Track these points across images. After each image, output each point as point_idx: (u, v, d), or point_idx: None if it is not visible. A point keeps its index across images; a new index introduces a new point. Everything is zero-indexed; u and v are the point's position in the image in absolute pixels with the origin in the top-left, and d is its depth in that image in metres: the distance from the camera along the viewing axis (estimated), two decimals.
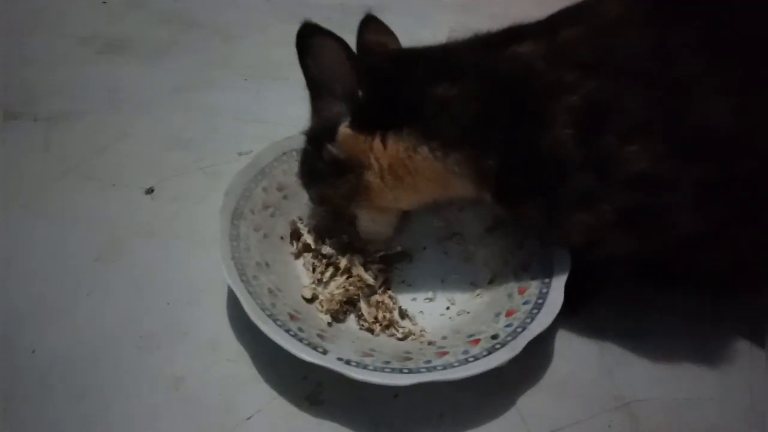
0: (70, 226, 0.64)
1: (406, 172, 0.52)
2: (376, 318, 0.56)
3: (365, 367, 0.48)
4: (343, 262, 0.59)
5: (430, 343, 0.54)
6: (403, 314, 0.58)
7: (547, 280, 0.56)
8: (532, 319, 0.52)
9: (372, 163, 0.53)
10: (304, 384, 0.53)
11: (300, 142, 0.59)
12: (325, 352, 0.49)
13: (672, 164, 0.46)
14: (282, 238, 0.62)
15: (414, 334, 0.56)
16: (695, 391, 0.55)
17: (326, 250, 0.60)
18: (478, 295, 0.60)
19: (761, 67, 0.46)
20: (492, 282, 0.60)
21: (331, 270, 0.59)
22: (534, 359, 0.56)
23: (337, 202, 0.56)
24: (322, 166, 0.54)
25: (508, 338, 0.51)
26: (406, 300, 0.60)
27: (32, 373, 0.53)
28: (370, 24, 0.57)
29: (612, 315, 0.59)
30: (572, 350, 0.58)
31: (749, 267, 0.53)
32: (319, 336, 0.52)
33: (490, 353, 0.50)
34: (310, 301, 0.58)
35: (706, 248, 0.51)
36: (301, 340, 0.49)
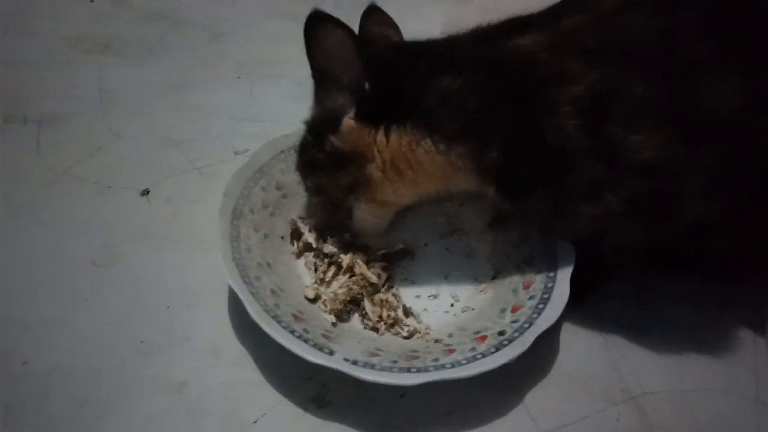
0: (65, 229, 0.63)
1: (407, 166, 0.52)
2: (380, 317, 0.56)
3: (372, 367, 0.48)
4: (345, 261, 0.58)
5: (436, 341, 0.53)
6: (408, 312, 0.57)
7: (551, 274, 0.55)
8: (539, 315, 0.52)
9: (375, 155, 0.52)
10: (309, 386, 0.52)
11: (297, 140, 0.58)
12: (331, 353, 0.48)
13: (680, 150, 0.46)
14: (282, 237, 0.61)
15: (419, 332, 0.55)
16: (701, 382, 0.55)
17: (328, 248, 0.59)
18: (482, 291, 0.59)
19: (764, 44, 0.46)
20: (496, 277, 0.60)
21: (333, 269, 0.58)
22: (540, 354, 0.55)
23: (334, 193, 0.56)
24: (323, 157, 0.54)
25: (515, 334, 0.50)
26: (409, 298, 0.59)
27: (30, 381, 0.52)
28: (372, 15, 0.56)
29: (616, 306, 0.59)
30: (578, 343, 0.57)
31: (757, 254, 0.53)
32: (325, 336, 0.51)
33: (497, 350, 0.49)
34: (313, 301, 0.57)
35: (714, 235, 0.51)
36: (306, 341, 0.49)
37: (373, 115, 0.51)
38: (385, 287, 0.59)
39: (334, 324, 0.55)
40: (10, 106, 0.75)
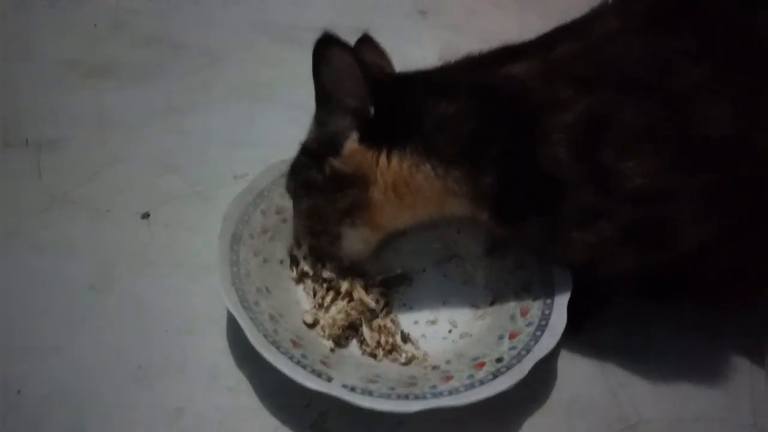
0: (63, 254, 0.63)
1: (407, 190, 0.53)
2: (378, 342, 0.56)
3: (371, 393, 0.47)
4: (344, 286, 0.58)
5: (434, 368, 0.53)
6: (406, 338, 0.57)
7: (549, 301, 0.56)
8: (536, 342, 0.52)
9: (377, 178, 0.52)
10: (307, 412, 0.52)
11: None
12: (329, 380, 0.48)
13: (673, 177, 0.47)
14: (281, 262, 0.61)
15: (417, 359, 0.55)
16: (698, 410, 0.55)
17: (326, 274, 0.59)
18: (480, 317, 0.59)
19: (759, 71, 0.47)
20: (493, 303, 0.60)
21: (332, 294, 0.59)
22: (538, 381, 0.55)
23: (329, 216, 0.56)
24: (322, 179, 0.54)
25: (513, 361, 0.50)
26: (407, 323, 0.59)
27: (24, 407, 0.51)
28: (366, 44, 0.57)
29: (614, 333, 0.59)
30: (576, 371, 0.57)
31: (752, 278, 0.54)
32: (323, 363, 0.51)
33: (495, 377, 0.49)
34: (312, 326, 0.57)
35: (708, 261, 0.51)
36: (305, 367, 0.49)
37: (376, 138, 0.52)
38: (384, 313, 0.59)
39: (332, 350, 0.55)
40: (10, 130, 0.75)
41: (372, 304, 0.57)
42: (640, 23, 0.49)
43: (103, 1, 0.97)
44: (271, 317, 0.53)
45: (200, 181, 0.72)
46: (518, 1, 1.13)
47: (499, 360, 0.51)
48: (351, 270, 0.60)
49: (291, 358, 0.49)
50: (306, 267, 0.60)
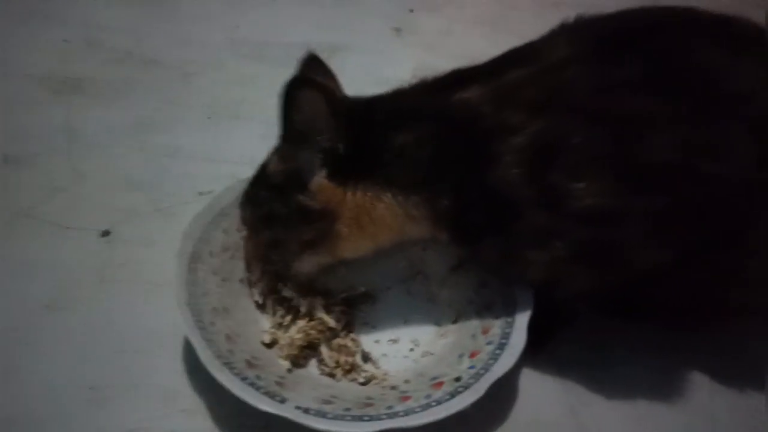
0: (19, 271, 0.62)
1: (369, 221, 0.53)
2: (337, 362, 0.55)
3: (325, 415, 0.47)
4: (304, 305, 0.57)
5: (392, 388, 0.53)
6: (366, 357, 0.57)
7: (510, 320, 0.55)
8: (495, 361, 0.52)
9: (344, 213, 0.53)
10: None
11: None
12: (283, 401, 0.47)
13: (622, 199, 0.47)
14: (241, 281, 0.60)
15: (377, 378, 0.55)
16: (658, 429, 0.55)
17: (287, 293, 0.59)
18: (442, 335, 0.59)
19: (704, 99, 0.48)
20: (456, 322, 0.60)
21: (292, 313, 0.58)
22: (498, 400, 0.55)
23: (290, 247, 0.56)
24: (286, 213, 0.54)
25: (471, 381, 0.50)
26: (369, 342, 0.59)
27: None
28: (313, 66, 0.56)
29: (575, 352, 0.59)
30: (537, 390, 0.57)
31: (707, 299, 0.54)
32: (278, 383, 0.50)
33: (453, 397, 0.49)
34: (270, 346, 0.56)
35: (662, 282, 0.52)
36: (258, 388, 0.48)
37: (344, 174, 0.52)
38: (344, 332, 0.58)
39: (289, 370, 0.54)
40: None
41: (332, 323, 0.57)
42: (589, 52, 0.50)
43: (75, 18, 0.97)
44: (228, 337, 0.53)
45: (164, 198, 0.71)
46: (492, 21, 1.14)
47: (457, 379, 0.51)
48: (312, 289, 0.59)
49: (244, 379, 0.48)
50: (256, 296, 0.59)
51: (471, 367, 0.52)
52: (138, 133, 0.80)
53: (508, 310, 0.56)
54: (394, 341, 0.59)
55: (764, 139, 0.48)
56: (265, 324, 0.59)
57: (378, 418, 0.47)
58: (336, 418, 0.47)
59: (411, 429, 0.47)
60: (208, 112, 0.85)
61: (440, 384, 0.51)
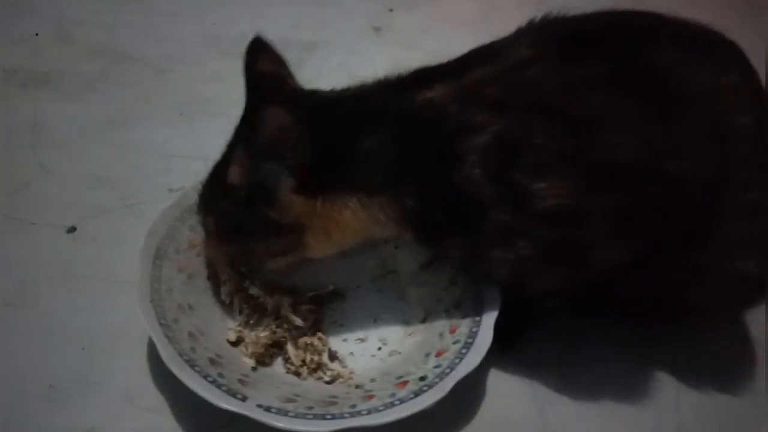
0: None
1: (336, 228, 0.53)
2: (303, 361, 0.54)
3: (286, 414, 0.46)
4: (270, 303, 0.57)
5: (357, 387, 0.52)
6: (333, 356, 0.56)
7: (477, 319, 0.55)
8: (461, 359, 0.52)
9: (313, 224, 0.52)
10: None
11: None
12: (244, 399, 0.47)
13: (583, 198, 0.47)
14: (208, 278, 0.60)
15: (342, 377, 0.54)
16: (626, 428, 0.55)
17: (254, 290, 0.58)
18: (410, 334, 0.59)
19: (666, 99, 0.48)
20: (425, 321, 0.59)
21: (258, 312, 0.57)
22: (466, 399, 0.55)
23: (260, 257, 0.55)
24: (254, 227, 0.53)
25: (436, 380, 0.50)
26: (337, 341, 0.58)
27: None
28: (261, 51, 0.55)
29: (544, 351, 0.59)
30: (505, 389, 0.57)
31: (667, 297, 0.55)
32: (241, 382, 0.49)
33: (417, 395, 0.49)
34: (235, 344, 0.56)
35: (626, 281, 0.52)
36: (220, 386, 0.47)
37: (312, 187, 0.51)
38: (311, 331, 0.58)
39: (254, 368, 0.53)
40: None
41: (298, 321, 0.56)
42: (551, 52, 0.50)
43: (47, 11, 0.95)
44: (191, 335, 0.52)
45: (134, 194, 0.70)
46: (473, 21, 1.14)
47: (422, 378, 0.51)
48: (279, 287, 0.59)
49: (206, 376, 0.48)
50: (224, 295, 0.58)
51: (437, 366, 0.52)
52: (108, 129, 0.78)
53: (477, 308, 0.56)
54: (362, 340, 0.59)
55: (725, 139, 0.48)
56: (231, 322, 0.58)
57: (340, 416, 0.47)
58: (298, 416, 0.46)
59: (375, 428, 0.47)
60: (181, 108, 0.84)
61: (405, 383, 0.51)
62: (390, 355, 0.57)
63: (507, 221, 0.48)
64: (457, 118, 0.49)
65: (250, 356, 0.54)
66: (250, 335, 0.56)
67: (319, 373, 0.54)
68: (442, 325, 0.57)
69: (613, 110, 0.47)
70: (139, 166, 0.75)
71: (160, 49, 0.93)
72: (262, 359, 0.55)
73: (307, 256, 0.56)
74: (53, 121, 0.78)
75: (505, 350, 0.57)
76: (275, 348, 0.56)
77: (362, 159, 0.51)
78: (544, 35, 0.52)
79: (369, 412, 0.47)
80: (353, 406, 0.48)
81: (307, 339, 0.56)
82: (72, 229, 0.65)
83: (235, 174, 0.52)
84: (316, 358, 0.55)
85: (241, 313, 0.58)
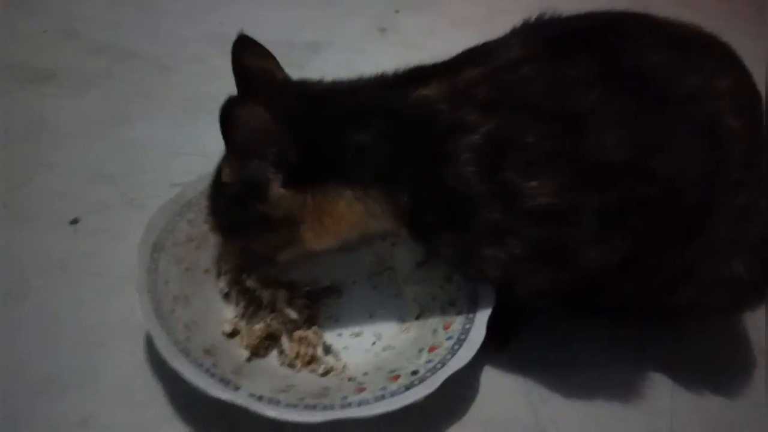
0: None
1: (331, 220, 0.53)
2: (297, 353, 0.55)
3: (278, 403, 0.47)
4: (266, 297, 0.57)
5: (350, 380, 0.53)
6: (328, 350, 0.57)
7: (471, 316, 0.56)
8: (453, 355, 0.52)
9: (306, 217, 0.53)
10: (219, 424, 0.51)
11: None
12: (237, 389, 0.47)
13: (572, 197, 0.48)
14: (206, 271, 0.60)
15: (336, 370, 0.55)
16: (618, 428, 0.55)
17: (250, 283, 0.58)
18: (405, 330, 0.59)
19: (656, 99, 0.48)
20: (420, 317, 0.60)
21: (254, 304, 0.58)
22: (458, 396, 0.55)
23: (263, 252, 0.56)
24: (248, 223, 0.54)
25: (427, 374, 0.50)
26: (332, 335, 0.59)
27: None
28: (247, 48, 0.56)
29: (538, 350, 0.59)
30: (498, 387, 0.57)
31: (660, 295, 0.54)
32: (234, 372, 0.50)
33: (407, 389, 0.49)
34: (231, 335, 0.56)
35: (618, 278, 0.52)
36: (213, 375, 0.48)
37: (300, 181, 0.52)
38: (306, 324, 0.58)
39: (248, 359, 0.54)
40: None
41: (293, 315, 0.57)
42: (540, 52, 0.50)
43: (56, 8, 0.97)
44: (186, 326, 0.53)
45: (136, 190, 0.71)
46: (478, 23, 1.14)
47: (414, 373, 0.51)
48: (276, 281, 0.59)
49: (199, 366, 0.48)
50: (222, 283, 0.59)
51: (429, 362, 0.52)
52: (112, 125, 0.79)
53: (471, 306, 0.57)
54: (357, 335, 0.59)
55: (715, 141, 0.48)
56: (227, 314, 0.58)
57: (331, 407, 0.47)
58: (289, 406, 0.47)
59: (366, 420, 0.47)
60: (185, 106, 0.85)
61: (397, 377, 0.51)
62: (384, 349, 0.57)
63: (498, 220, 0.49)
64: (450, 117, 0.49)
65: (246, 347, 0.54)
66: (245, 327, 0.56)
67: (313, 366, 0.55)
68: (436, 321, 0.58)
69: (603, 110, 0.47)
70: (142, 162, 0.75)
71: (166, 47, 0.94)
72: (257, 350, 0.55)
73: (309, 249, 0.56)
74: (57, 116, 0.79)
75: (499, 349, 0.57)
76: (270, 340, 0.56)
77: (356, 153, 0.51)
78: (536, 35, 0.52)
79: (360, 404, 0.47)
80: (344, 398, 0.48)
81: (301, 332, 0.57)
82: (74, 221, 0.66)
83: (226, 173, 0.53)
84: (310, 351, 0.55)
85: (237, 305, 0.58)
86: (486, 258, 0.51)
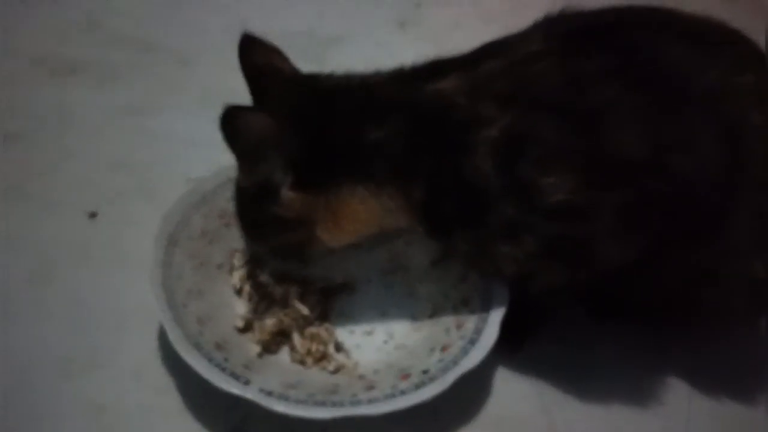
0: (6, 245, 0.63)
1: (345, 218, 0.53)
2: (309, 350, 0.55)
3: (287, 399, 0.47)
4: (278, 292, 0.57)
5: (361, 377, 0.53)
6: (339, 347, 0.57)
7: (485, 315, 0.55)
8: (465, 355, 0.51)
9: (320, 217, 0.53)
10: (229, 416, 0.51)
11: None
12: (247, 383, 0.48)
13: (590, 194, 0.47)
14: (219, 266, 0.61)
15: (346, 368, 0.55)
16: None
17: (264, 278, 0.59)
18: (417, 329, 0.59)
19: (675, 96, 0.47)
20: (432, 316, 0.59)
21: (267, 300, 0.58)
22: (471, 396, 0.55)
23: (290, 251, 0.56)
24: (267, 224, 0.54)
25: (439, 374, 0.50)
26: (343, 332, 0.59)
27: None
28: (252, 46, 0.56)
29: (552, 352, 0.58)
30: (512, 388, 0.57)
31: (678, 298, 0.53)
32: (246, 366, 0.50)
33: (418, 388, 0.49)
34: (243, 330, 0.56)
35: (633, 279, 0.51)
36: (224, 369, 0.48)
37: (311, 182, 0.51)
38: (318, 321, 0.58)
39: (259, 355, 0.54)
40: None
41: (305, 311, 0.57)
42: (560, 46, 0.49)
43: (79, 1, 0.97)
44: (199, 320, 0.53)
45: (153, 180, 0.72)
46: (498, 16, 1.12)
47: (425, 371, 0.51)
48: (289, 277, 0.59)
49: (211, 360, 0.49)
50: (236, 279, 0.60)
51: (440, 361, 0.52)
52: (132, 116, 0.80)
53: (485, 305, 0.56)
54: (369, 333, 0.59)
55: (736, 138, 0.47)
56: (239, 309, 0.58)
57: (341, 404, 0.47)
58: (299, 402, 0.47)
59: (375, 418, 0.47)
60: (204, 98, 0.85)
61: (408, 376, 0.51)
62: (396, 348, 0.57)
63: (514, 215, 0.48)
64: (468, 111, 0.48)
65: (257, 342, 0.55)
66: (257, 323, 0.56)
67: (324, 363, 0.55)
68: (448, 320, 0.57)
69: (621, 105, 0.46)
70: (160, 153, 0.76)
71: (186, 39, 0.94)
72: (268, 346, 0.55)
73: (329, 246, 0.56)
74: (80, 107, 0.80)
75: (513, 351, 0.57)
76: (282, 336, 0.56)
77: (370, 149, 0.50)
78: (557, 30, 0.51)
79: (369, 401, 0.47)
80: (354, 395, 0.49)
81: (313, 329, 0.57)
82: (93, 214, 0.67)
83: (241, 177, 0.54)
84: (321, 348, 0.55)
85: (250, 300, 0.59)
86: (502, 254, 0.50)
